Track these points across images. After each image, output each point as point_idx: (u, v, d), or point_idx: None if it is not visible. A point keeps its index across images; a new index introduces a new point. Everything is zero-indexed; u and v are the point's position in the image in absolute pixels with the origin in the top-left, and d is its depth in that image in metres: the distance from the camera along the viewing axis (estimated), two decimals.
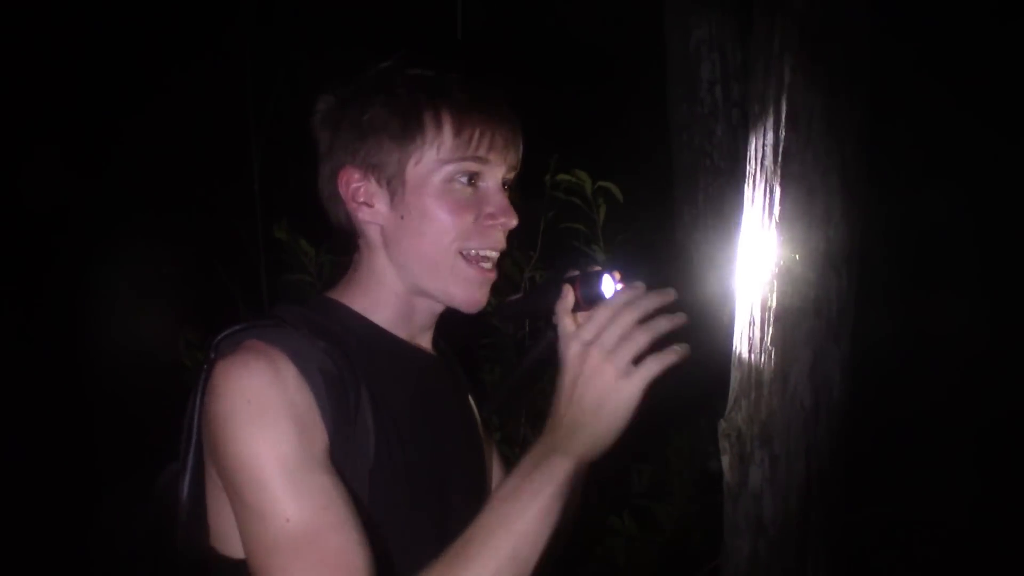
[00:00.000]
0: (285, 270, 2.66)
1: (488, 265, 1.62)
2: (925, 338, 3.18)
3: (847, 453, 2.07)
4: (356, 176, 1.66)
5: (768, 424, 2.02)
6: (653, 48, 3.46)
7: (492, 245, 1.61)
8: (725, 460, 2.08)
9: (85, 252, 3.69)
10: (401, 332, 1.70)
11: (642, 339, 1.40)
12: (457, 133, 1.59)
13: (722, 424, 2.08)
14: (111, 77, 3.70)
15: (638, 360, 1.39)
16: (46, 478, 3.27)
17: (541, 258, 2.52)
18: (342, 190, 1.65)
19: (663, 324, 1.41)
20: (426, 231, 1.60)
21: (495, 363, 2.61)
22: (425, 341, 1.76)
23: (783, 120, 2.01)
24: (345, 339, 1.60)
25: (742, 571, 2.09)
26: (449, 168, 1.59)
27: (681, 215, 3.54)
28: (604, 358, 1.41)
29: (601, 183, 2.39)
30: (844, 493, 2.07)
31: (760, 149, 2.06)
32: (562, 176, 2.40)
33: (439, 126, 1.59)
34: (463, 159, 1.59)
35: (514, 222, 1.60)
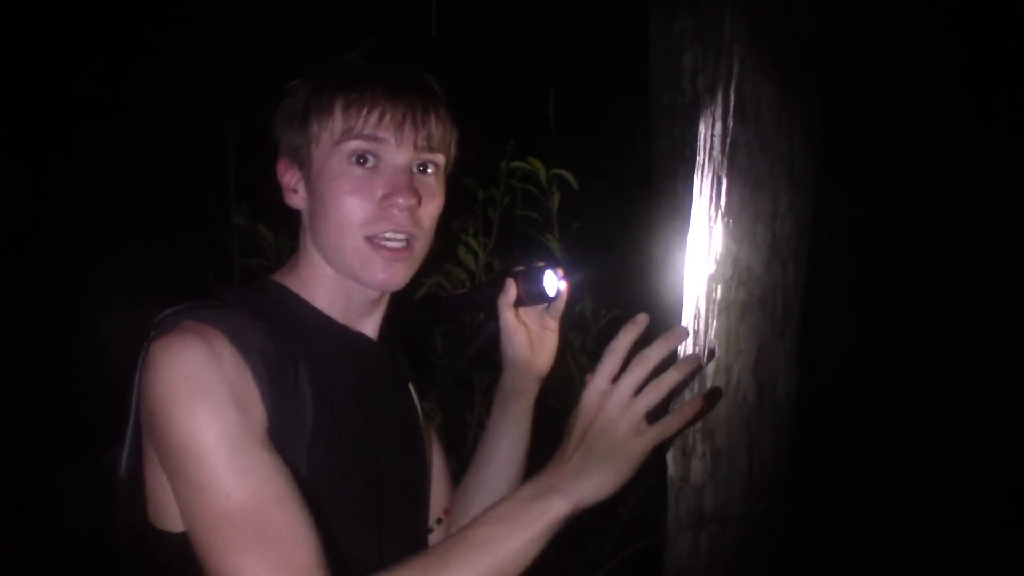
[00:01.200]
0: (245, 255, 2.67)
1: (397, 245, 1.63)
2: (876, 333, 3.16)
3: (791, 448, 2.05)
4: (284, 164, 1.70)
5: (710, 418, 2.00)
6: (628, 40, 3.43)
7: (395, 227, 1.63)
8: (668, 453, 2.07)
9: (56, 236, 3.69)
10: (339, 315, 1.72)
11: (654, 396, 1.48)
12: (345, 111, 1.61)
13: None
14: (83, 59, 3.70)
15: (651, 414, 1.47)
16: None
17: (497, 246, 2.52)
18: (279, 178, 1.70)
19: (673, 377, 1.49)
20: (330, 215, 1.63)
21: (449, 350, 2.61)
22: (366, 327, 1.77)
23: (731, 110, 1.99)
24: (284, 319, 1.62)
25: (683, 565, 2.07)
26: (342, 148, 1.61)
27: (660, 205, 3.51)
28: (619, 413, 1.48)
29: (556, 171, 2.39)
30: (788, 488, 2.05)
31: (708, 140, 2.04)
32: (516, 163, 2.40)
33: (331, 106, 1.62)
34: (352, 138, 1.61)
35: (411, 201, 1.61)
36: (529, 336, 1.91)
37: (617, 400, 1.48)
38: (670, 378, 1.49)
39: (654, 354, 1.49)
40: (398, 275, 1.66)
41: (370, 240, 1.62)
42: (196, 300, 1.59)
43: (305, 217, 1.72)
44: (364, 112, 1.60)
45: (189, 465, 1.40)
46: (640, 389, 1.48)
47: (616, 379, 1.50)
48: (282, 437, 1.51)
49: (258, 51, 3.32)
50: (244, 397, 1.47)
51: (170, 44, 3.55)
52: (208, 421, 1.41)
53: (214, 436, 1.40)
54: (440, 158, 1.69)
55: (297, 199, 1.71)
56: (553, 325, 1.94)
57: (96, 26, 3.70)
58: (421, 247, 1.69)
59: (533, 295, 1.87)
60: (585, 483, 1.45)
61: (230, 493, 1.38)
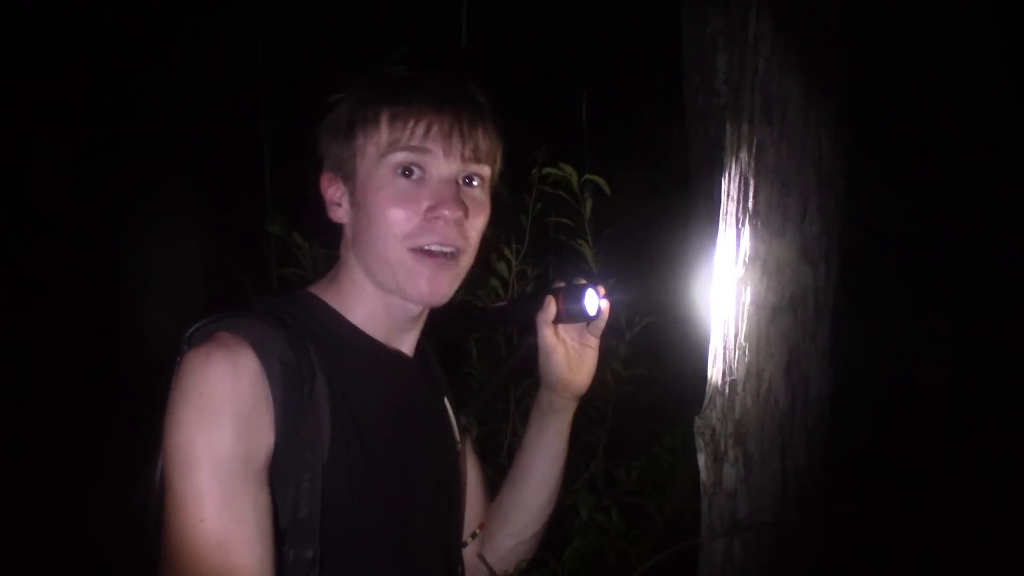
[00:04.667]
0: (281, 264, 2.69)
1: (443, 253, 1.61)
2: (916, 332, 3.10)
3: (825, 452, 2.02)
4: (328, 177, 1.69)
5: (742, 422, 1.98)
6: (662, 41, 3.41)
7: (440, 240, 1.61)
8: (701, 459, 2.06)
9: (92, 241, 3.74)
10: (376, 332, 1.71)
11: None
12: (391, 123, 1.59)
13: (697, 422, 2.05)
14: (125, 59, 3.74)
15: None
16: (41, 461, 3.34)
17: (529, 253, 2.51)
18: (322, 192, 1.69)
19: None
20: (374, 227, 1.61)
21: (484, 357, 2.60)
22: (403, 343, 1.76)
23: (757, 111, 1.97)
24: (314, 333, 1.61)
25: (718, 572, 2.05)
26: (388, 159, 1.60)
27: (696, 208, 3.49)
28: None
29: (588, 176, 2.37)
30: (822, 492, 2.03)
31: (735, 141, 2.02)
32: (548, 169, 2.39)
33: (377, 118, 1.60)
34: (399, 149, 1.59)
35: (457, 214, 1.59)
36: (568, 354, 1.88)
37: None
38: None
39: None
40: (442, 286, 1.64)
41: (415, 251, 1.61)
42: (224, 311, 1.60)
43: (348, 231, 1.70)
44: (411, 124, 1.58)
45: (176, 474, 1.42)
46: None
47: None
48: (293, 452, 1.51)
49: (292, 60, 3.34)
50: (255, 417, 1.47)
51: (206, 53, 3.59)
52: (207, 440, 1.41)
53: (208, 456, 1.41)
54: (486, 170, 1.68)
55: (341, 213, 1.70)
56: (593, 343, 1.90)
57: (137, 33, 3.75)
58: (467, 261, 1.67)
59: (573, 313, 1.84)
60: None
61: (204, 518, 1.39)
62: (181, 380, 1.47)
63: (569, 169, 2.38)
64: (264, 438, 1.47)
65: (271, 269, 3.07)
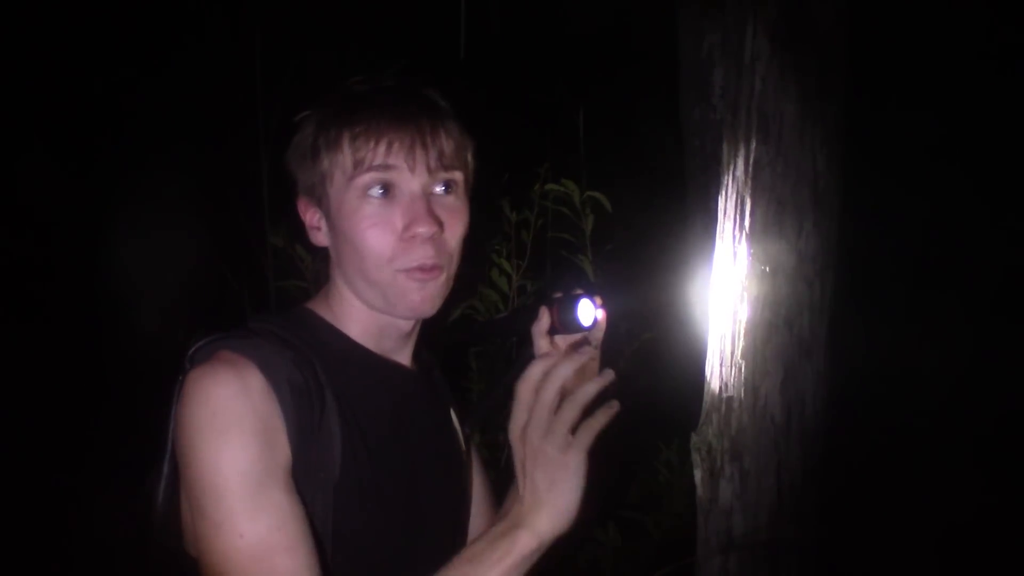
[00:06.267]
0: (282, 276, 2.68)
1: (428, 269, 1.60)
2: (909, 351, 3.11)
3: (821, 469, 2.03)
4: (304, 202, 1.67)
5: (738, 439, 1.99)
6: (656, 55, 3.43)
7: (420, 261, 1.59)
8: (697, 475, 2.07)
9: (88, 250, 3.74)
10: (373, 345, 1.70)
11: (570, 414, 1.43)
12: (352, 145, 1.57)
13: (694, 438, 2.06)
14: (123, 66, 3.74)
15: (574, 428, 1.42)
16: (39, 473, 3.34)
17: (530, 268, 2.52)
18: (302, 217, 1.66)
19: (589, 389, 1.42)
20: (356, 252, 1.59)
21: (485, 373, 2.60)
22: (401, 355, 1.75)
23: (754, 130, 1.98)
24: (317, 350, 1.61)
25: None
26: (355, 182, 1.57)
27: (694, 222, 3.50)
28: (541, 439, 1.44)
29: (590, 193, 2.38)
30: (817, 508, 2.04)
31: (732, 160, 2.03)
32: (550, 186, 2.39)
33: (339, 141, 1.58)
34: (365, 171, 1.56)
35: (432, 230, 1.57)
36: None
37: (536, 427, 1.46)
38: (583, 393, 1.45)
39: (559, 374, 1.45)
40: (431, 297, 1.62)
41: (400, 272, 1.60)
42: (227, 331, 1.60)
43: (332, 254, 1.70)
44: (372, 143, 1.56)
45: (206, 500, 1.41)
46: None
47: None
48: (306, 471, 1.51)
49: (292, 67, 3.34)
50: (269, 434, 1.46)
51: (205, 60, 3.59)
52: (229, 459, 1.41)
53: (234, 474, 1.41)
54: (457, 175, 1.65)
55: (321, 237, 1.68)
56: (591, 354, 1.89)
57: (136, 39, 3.76)
58: (453, 269, 1.65)
59: (567, 324, 1.82)
60: (543, 512, 1.45)
61: (242, 533, 1.39)
62: (189, 400, 1.46)
63: (571, 186, 2.39)
64: (283, 451, 1.47)
65: (269, 281, 3.07)
